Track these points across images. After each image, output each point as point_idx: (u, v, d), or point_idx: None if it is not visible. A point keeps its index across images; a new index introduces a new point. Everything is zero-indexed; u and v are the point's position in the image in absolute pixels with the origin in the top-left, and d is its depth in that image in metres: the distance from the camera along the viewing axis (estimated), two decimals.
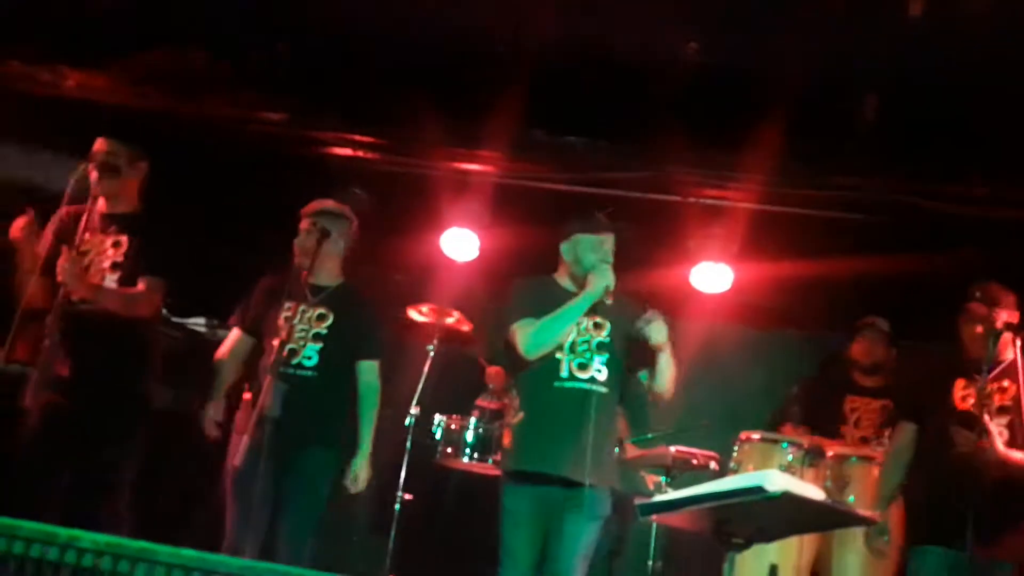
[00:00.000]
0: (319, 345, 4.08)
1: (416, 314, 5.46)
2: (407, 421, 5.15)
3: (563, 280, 3.88)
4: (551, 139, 5.08)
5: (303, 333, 4.06)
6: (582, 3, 4.33)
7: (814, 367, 5.73)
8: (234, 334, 4.29)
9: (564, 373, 3.69)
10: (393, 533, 5.03)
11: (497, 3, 4.38)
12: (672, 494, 2.88)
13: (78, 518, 3.35)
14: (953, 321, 3.96)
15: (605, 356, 3.73)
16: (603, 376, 3.72)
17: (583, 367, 3.70)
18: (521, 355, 3.65)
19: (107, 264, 4.09)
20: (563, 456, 3.60)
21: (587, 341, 3.73)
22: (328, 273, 4.24)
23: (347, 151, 5.59)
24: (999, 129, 4.43)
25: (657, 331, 3.64)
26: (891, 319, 5.34)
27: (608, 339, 3.76)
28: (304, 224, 4.21)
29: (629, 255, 4.02)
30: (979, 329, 3.75)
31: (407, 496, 5.10)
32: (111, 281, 4.07)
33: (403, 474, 5.11)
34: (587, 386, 3.68)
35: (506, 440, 3.81)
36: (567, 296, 3.78)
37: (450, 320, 5.45)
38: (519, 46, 4.54)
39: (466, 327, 5.55)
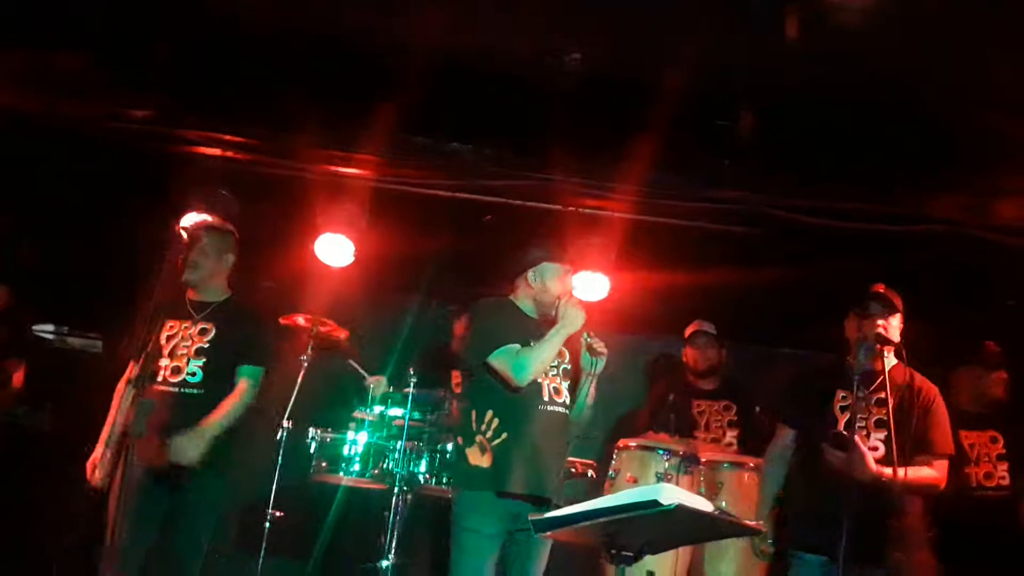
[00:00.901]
0: (202, 360, 3.97)
1: (288, 322, 5.26)
2: (278, 435, 4.95)
3: (523, 303, 4.00)
4: (433, 144, 5.02)
5: (185, 350, 3.97)
6: (467, 9, 4.26)
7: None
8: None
9: (545, 397, 3.85)
10: (263, 551, 4.82)
11: (382, 5, 4.26)
12: (566, 509, 2.83)
13: None
14: (830, 330, 4.07)
15: (567, 382, 3.95)
16: (568, 400, 3.91)
17: (557, 391, 3.88)
18: (513, 383, 3.74)
19: None
20: (548, 477, 3.77)
21: (556, 366, 3.91)
22: (215, 289, 4.16)
23: (216, 151, 5.36)
24: (876, 142, 4.60)
25: (600, 362, 3.84)
26: (771, 327, 5.49)
27: (569, 365, 3.97)
28: (188, 240, 3.93)
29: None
30: (852, 339, 3.85)
31: (277, 513, 4.90)
32: None
33: (273, 489, 4.90)
34: (562, 409, 3.88)
35: (478, 459, 3.77)
36: (529, 321, 3.94)
37: (324, 328, 5.27)
38: (402, 50, 4.45)
39: (341, 335, 5.39)
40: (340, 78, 4.70)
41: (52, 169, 3.95)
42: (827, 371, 4.02)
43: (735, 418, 5.40)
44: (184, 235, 3.95)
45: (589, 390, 3.90)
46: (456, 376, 5.44)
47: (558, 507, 3.47)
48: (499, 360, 3.76)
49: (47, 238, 4.45)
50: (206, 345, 3.98)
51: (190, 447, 3.83)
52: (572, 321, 3.79)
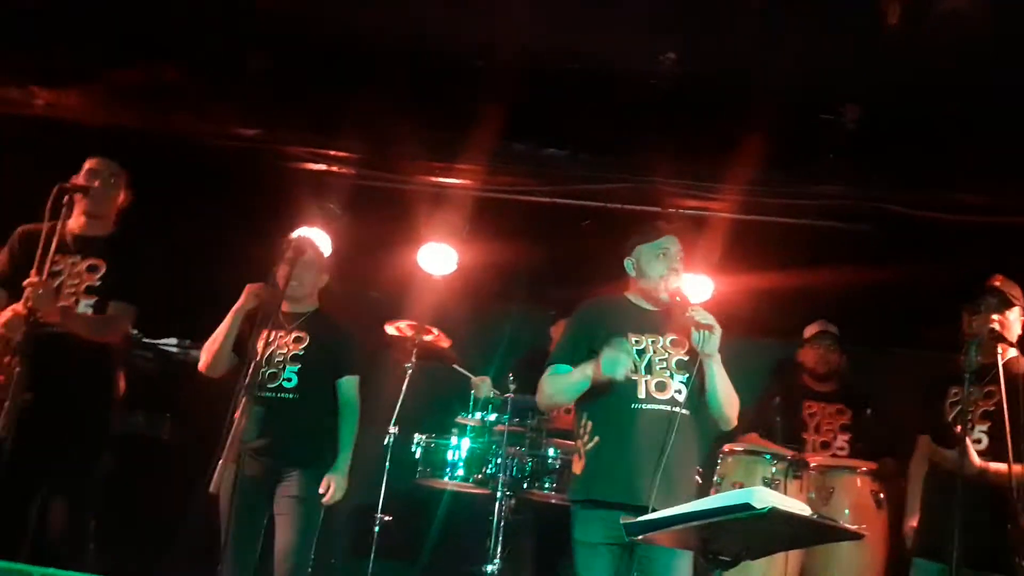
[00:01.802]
0: (297, 366, 4.13)
1: (394, 331, 5.37)
2: (386, 440, 5.05)
3: (634, 297, 3.69)
4: (531, 151, 5.04)
5: (281, 356, 4.12)
6: (559, 13, 4.27)
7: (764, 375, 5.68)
8: None
9: (642, 395, 3.48)
10: (372, 554, 4.93)
11: (472, 14, 4.31)
12: (660, 513, 2.81)
13: (47, 553, 3.24)
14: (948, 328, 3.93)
15: (685, 375, 3.51)
16: (683, 396, 3.49)
17: (662, 387, 3.50)
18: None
19: (83, 288, 4.02)
20: (643, 483, 3.37)
21: (665, 360, 3.53)
22: (307, 301, 4.32)
23: (321, 166, 5.53)
24: (985, 133, 4.41)
25: (710, 337, 3.42)
26: (884, 327, 5.30)
27: (685, 356, 3.55)
28: (294, 254, 4.15)
29: None
30: (966, 336, 3.71)
31: (386, 517, 5.00)
32: (86, 306, 4.01)
33: (382, 494, 5.01)
34: (667, 407, 3.47)
35: (577, 467, 3.57)
36: (640, 313, 3.63)
37: (428, 337, 5.35)
38: (495, 55, 4.48)
39: (445, 343, 5.47)
40: (436, 88, 4.76)
41: (162, 186, 4.14)
42: (944, 370, 3.87)
43: (848, 422, 5.22)
44: (290, 249, 4.15)
45: (716, 379, 3.49)
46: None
47: None
48: (543, 378, 3.59)
49: (170, 257, 4.65)
50: (301, 352, 4.15)
51: (335, 485, 4.09)
52: (600, 371, 3.38)
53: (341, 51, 4.67)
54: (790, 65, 4.37)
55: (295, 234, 4.54)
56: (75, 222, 4.08)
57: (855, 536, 2.97)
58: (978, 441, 3.59)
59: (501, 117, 4.74)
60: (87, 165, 4.14)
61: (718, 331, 3.43)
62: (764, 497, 2.57)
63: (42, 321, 3.86)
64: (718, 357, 3.49)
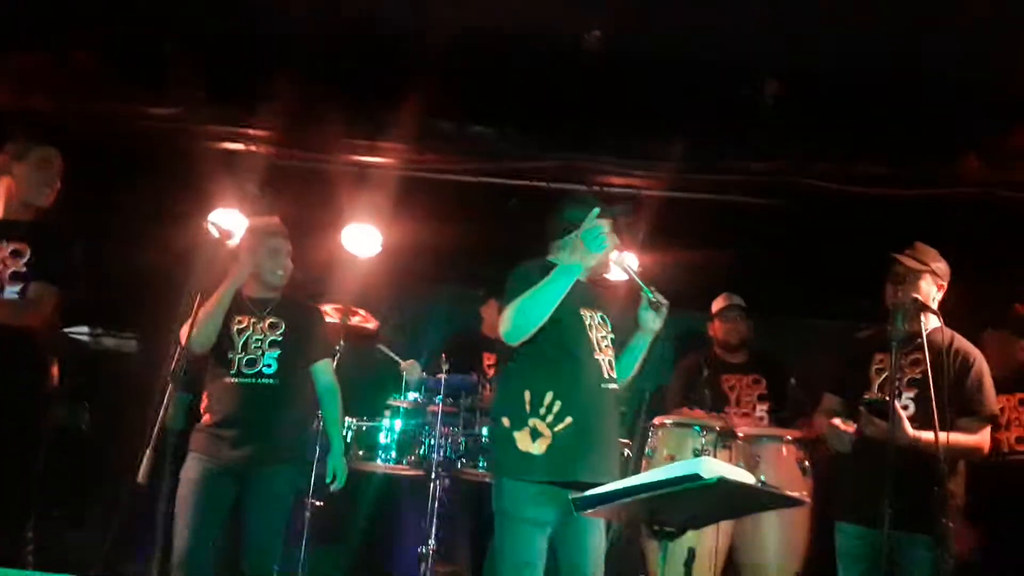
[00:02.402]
0: (277, 352, 4.08)
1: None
2: (314, 424, 4.98)
3: (560, 260, 3.56)
4: (457, 129, 5.00)
5: (258, 343, 4.07)
6: None
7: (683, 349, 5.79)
8: None
9: (605, 375, 3.49)
10: (305, 539, 4.86)
11: None
12: (608, 486, 2.83)
13: None
14: (869, 299, 4.03)
15: (613, 353, 3.58)
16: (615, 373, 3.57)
17: (612, 365, 3.54)
18: (505, 340, 3.38)
19: (7, 274, 3.85)
20: (612, 462, 3.49)
21: (604, 337, 3.54)
22: (279, 287, 4.27)
23: (240, 145, 5.38)
24: (903, 106, 4.54)
25: (662, 316, 3.52)
26: (802, 298, 5.43)
27: (614, 334, 3.60)
28: (270, 243, 4.15)
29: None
30: (890, 305, 3.81)
31: (318, 502, 4.94)
32: (11, 293, 3.84)
33: (312, 479, 4.94)
34: (615, 386, 3.54)
35: (529, 446, 3.38)
36: (583, 287, 3.53)
37: (356, 319, 5.29)
38: (421, 34, 4.43)
39: (371, 325, 5.41)
40: (359, 65, 4.70)
41: (76, 170, 3.98)
42: (867, 339, 3.98)
43: (765, 392, 5.36)
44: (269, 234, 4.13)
45: (642, 355, 3.59)
46: (488, 358, 5.44)
47: None
48: (501, 318, 3.38)
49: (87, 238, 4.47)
50: (279, 338, 4.11)
51: (339, 470, 4.28)
52: (593, 242, 3.35)
53: (261, 28, 4.55)
54: (710, 39, 4.42)
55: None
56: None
57: (798, 502, 3.06)
58: (905, 407, 3.68)
59: (426, 94, 4.69)
60: (7, 147, 3.95)
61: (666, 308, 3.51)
62: (712, 467, 2.62)
63: None
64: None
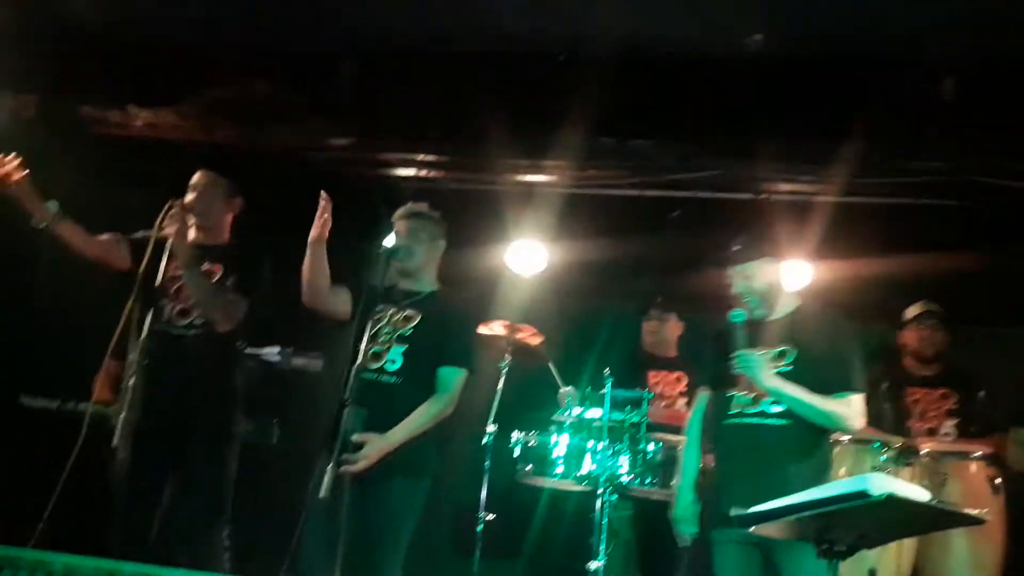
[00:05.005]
0: (404, 347, 3.77)
1: (487, 331, 5.38)
2: (484, 440, 5.08)
3: None
4: (618, 144, 4.98)
5: (387, 336, 3.78)
6: (640, 2, 4.23)
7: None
8: None
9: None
10: (477, 553, 4.95)
11: (554, 9, 4.30)
12: (772, 503, 2.76)
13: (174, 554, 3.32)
14: None
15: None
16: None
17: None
18: None
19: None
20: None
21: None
22: (425, 279, 3.98)
23: (411, 171, 5.58)
24: None
25: None
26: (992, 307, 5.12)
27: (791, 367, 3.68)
28: (401, 227, 3.92)
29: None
30: None
31: (489, 516, 5.03)
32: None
33: (484, 493, 5.03)
34: (757, 420, 3.66)
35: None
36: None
37: (521, 335, 5.36)
38: (579, 50, 4.47)
39: (536, 341, 5.46)
40: (519, 86, 4.76)
41: (263, 198, 4.27)
42: None
43: (954, 407, 5.03)
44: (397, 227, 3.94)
45: None
46: (654, 376, 5.38)
47: None
48: None
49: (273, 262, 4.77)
50: (408, 332, 3.78)
51: (370, 450, 3.62)
52: None
53: (426, 54, 4.71)
54: (884, 37, 4.24)
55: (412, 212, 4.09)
56: (192, 234, 4.21)
57: (976, 521, 2.88)
58: None
59: (586, 111, 4.70)
60: (193, 179, 4.28)
61: None
62: (881, 483, 2.51)
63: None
64: None
